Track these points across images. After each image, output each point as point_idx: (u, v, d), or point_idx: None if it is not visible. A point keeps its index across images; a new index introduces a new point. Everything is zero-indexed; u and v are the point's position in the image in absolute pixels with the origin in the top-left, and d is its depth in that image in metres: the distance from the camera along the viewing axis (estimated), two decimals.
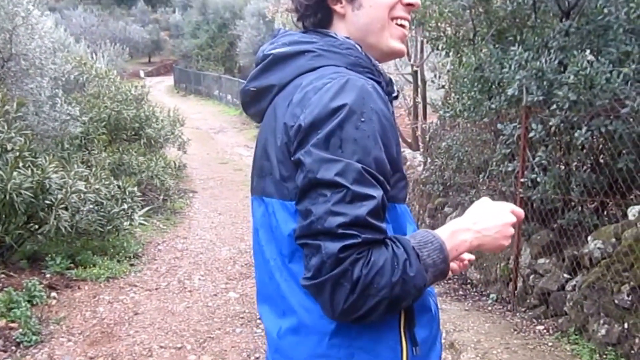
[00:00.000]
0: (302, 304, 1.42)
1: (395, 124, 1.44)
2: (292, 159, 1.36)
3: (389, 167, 1.36)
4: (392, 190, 1.40)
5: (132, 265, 7.62)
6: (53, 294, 6.21)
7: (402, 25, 1.58)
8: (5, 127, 6.17)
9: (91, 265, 7.04)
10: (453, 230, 1.44)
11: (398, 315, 1.42)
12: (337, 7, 1.55)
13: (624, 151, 5.15)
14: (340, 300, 1.27)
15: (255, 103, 1.58)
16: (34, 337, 5.15)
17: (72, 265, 6.97)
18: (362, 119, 1.31)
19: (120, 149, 10.24)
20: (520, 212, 1.54)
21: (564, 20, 5.77)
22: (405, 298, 1.31)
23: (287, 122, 1.39)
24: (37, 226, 6.54)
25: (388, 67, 13.53)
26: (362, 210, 1.26)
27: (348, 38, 1.53)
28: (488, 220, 1.47)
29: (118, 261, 7.51)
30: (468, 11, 6.66)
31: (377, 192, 1.30)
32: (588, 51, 5.20)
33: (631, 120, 4.95)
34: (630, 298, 4.66)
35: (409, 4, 1.57)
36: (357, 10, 1.54)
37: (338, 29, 1.56)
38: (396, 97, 1.61)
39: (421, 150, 11.23)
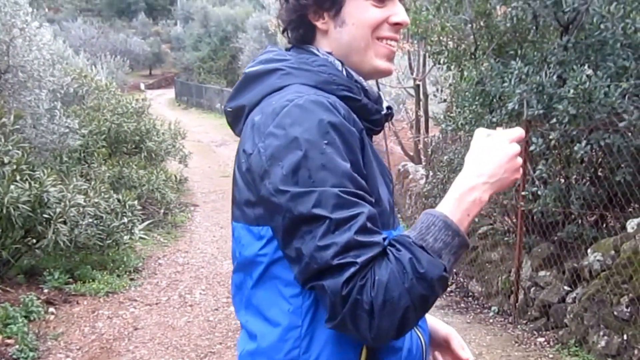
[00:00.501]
0: (260, 330, 1.38)
1: (366, 140, 1.36)
2: (260, 194, 1.29)
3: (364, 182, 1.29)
4: None
5: (132, 279, 7.60)
6: (51, 309, 6.18)
7: (389, 45, 1.50)
8: (3, 140, 6.16)
9: (90, 280, 7.02)
10: (458, 196, 1.33)
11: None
12: (319, 24, 1.47)
13: (622, 164, 5.19)
14: (365, 330, 1.21)
15: (236, 123, 1.51)
16: (31, 354, 5.11)
17: (70, 280, 6.95)
18: (326, 141, 1.24)
19: (120, 162, 10.17)
20: (519, 133, 1.44)
21: (563, 35, 5.79)
22: (430, 294, 1.23)
23: (246, 149, 1.33)
24: (34, 240, 6.51)
25: (390, 81, 13.58)
26: (350, 234, 1.19)
27: (330, 54, 1.46)
28: (490, 162, 1.37)
29: (118, 276, 7.49)
30: (469, 25, 6.68)
31: (361, 208, 1.22)
32: (587, 66, 5.23)
33: (629, 133, 4.99)
34: (629, 310, 4.68)
35: (396, 24, 1.48)
36: (340, 28, 1.46)
37: (321, 45, 1.49)
38: (389, 114, 1.53)
39: (423, 163, 11.27)
